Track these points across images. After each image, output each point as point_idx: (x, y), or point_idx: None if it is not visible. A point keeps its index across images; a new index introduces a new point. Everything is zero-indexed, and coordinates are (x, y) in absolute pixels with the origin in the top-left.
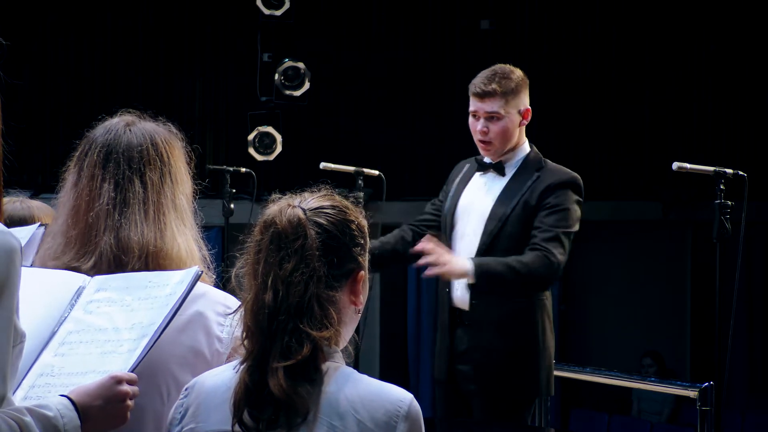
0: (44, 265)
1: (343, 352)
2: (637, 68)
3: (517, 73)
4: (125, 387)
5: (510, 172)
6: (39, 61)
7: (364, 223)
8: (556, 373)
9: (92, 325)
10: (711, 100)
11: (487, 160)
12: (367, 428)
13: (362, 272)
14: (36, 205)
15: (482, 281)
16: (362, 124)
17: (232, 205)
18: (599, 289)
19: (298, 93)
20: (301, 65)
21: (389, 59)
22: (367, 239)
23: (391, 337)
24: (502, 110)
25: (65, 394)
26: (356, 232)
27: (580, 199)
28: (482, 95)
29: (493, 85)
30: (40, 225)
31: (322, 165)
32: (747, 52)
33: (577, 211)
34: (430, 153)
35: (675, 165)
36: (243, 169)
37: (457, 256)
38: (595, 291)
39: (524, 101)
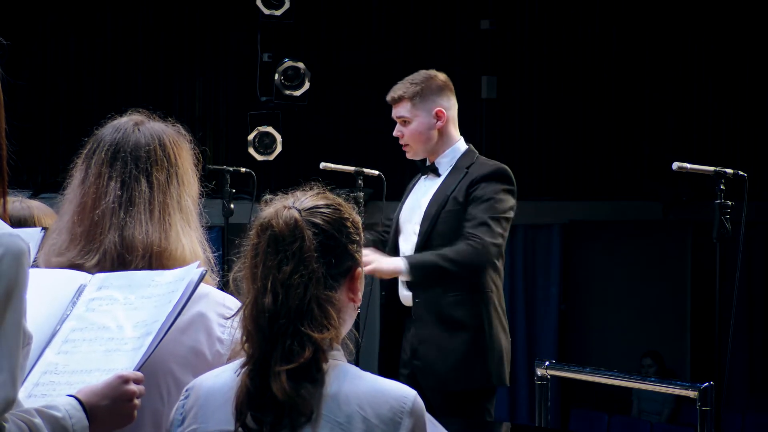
0: (48, 261)
1: (344, 349)
2: (637, 68)
3: (429, 77)
4: (132, 386)
5: (444, 172)
6: (39, 61)
7: (358, 219)
8: (556, 373)
9: (95, 323)
10: (711, 100)
11: (427, 163)
12: (372, 425)
13: (359, 269)
14: (36, 205)
15: (418, 275)
16: (362, 124)
17: (232, 205)
18: (599, 289)
19: (298, 93)
20: (301, 65)
21: (389, 59)
22: (362, 235)
23: None
24: (409, 114)
25: (73, 394)
26: (351, 230)
27: (509, 187)
28: (392, 102)
29: (400, 92)
30: (43, 229)
31: (322, 165)
32: (747, 52)
33: (504, 198)
34: None
35: (675, 165)
36: (243, 169)
37: (389, 257)
38: (595, 291)
39: (437, 103)
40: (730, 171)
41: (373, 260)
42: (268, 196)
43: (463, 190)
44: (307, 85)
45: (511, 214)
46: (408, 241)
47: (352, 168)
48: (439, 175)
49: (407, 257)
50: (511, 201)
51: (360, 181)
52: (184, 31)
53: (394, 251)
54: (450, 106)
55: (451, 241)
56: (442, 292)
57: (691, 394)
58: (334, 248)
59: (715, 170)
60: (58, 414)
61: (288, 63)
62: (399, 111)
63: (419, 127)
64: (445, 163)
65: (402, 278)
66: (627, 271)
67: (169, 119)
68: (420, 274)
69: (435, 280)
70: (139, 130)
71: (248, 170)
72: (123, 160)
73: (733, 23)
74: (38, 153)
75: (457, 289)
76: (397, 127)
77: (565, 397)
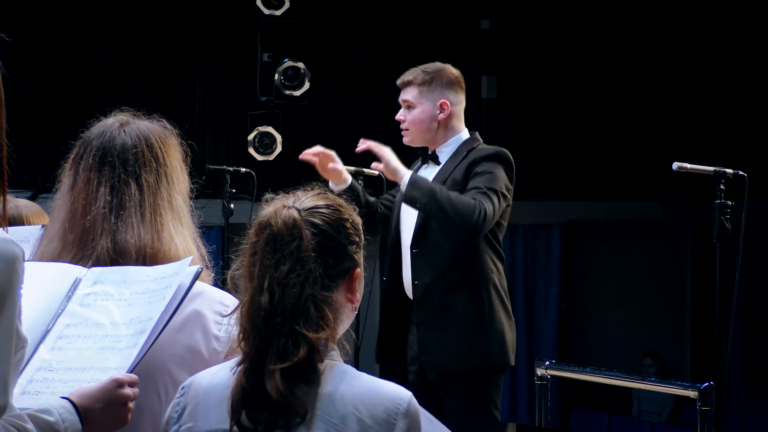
0: None
1: (340, 350)
2: (637, 68)
3: (442, 69)
4: (126, 390)
5: (444, 160)
6: (39, 61)
7: (359, 220)
8: (556, 373)
9: (89, 319)
10: (711, 100)
11: (429, 152)
12: (367, 425)
13: (358, 270)
14: (24, 205)
15: (411, 189)
16: (362, 124)
17: (232, 205)
18: (599, 289)
19: (298, 93)
20: (301, 65)
21: (389, 59)
22: (362, 236)
23: None
24: (414, 99)
25: (67, 396)
26: (351, 230)
27: (508, 169)
28: (401, 85)
29: (410, 77)
30: (42, 226)
31: None
32: (747, 52)
33: (503, 175)
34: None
35: (675, 165)
36: (243, 169)
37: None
38: (595, 291)
39: (444, 95)
40: (730, 171)
41: (388, 154)
42: (269, 195)
43: (463, 169)
44: (307, 85)
45: (509, 194)
46: (408, 222)
47: (352, 168)
48: (439, 163)
49: (415, 175)
50: (508, 181)
51: (360, 181)
52: (184, 31)
53: (396, 232)
54: (457, 101)
55: None
56: (442, 274)
57: (691, 394)
58: (332, 249)
59: (715, 170)
60: (51, 419)
61: (288, 63)
62: (405, 95)
63: (421, 115)
64: (446, 152)
65: (401, 185)
66: (627, 271)
67: (155, 115)
68: (414, 190)
69: (424, 204)
70: (125, 131)
71: (248, 170)
72: (111, 165)
73: (733, 23)
74: (38, 153)
75: (456, 270)
76: (401, 111)
77: (565, 397)
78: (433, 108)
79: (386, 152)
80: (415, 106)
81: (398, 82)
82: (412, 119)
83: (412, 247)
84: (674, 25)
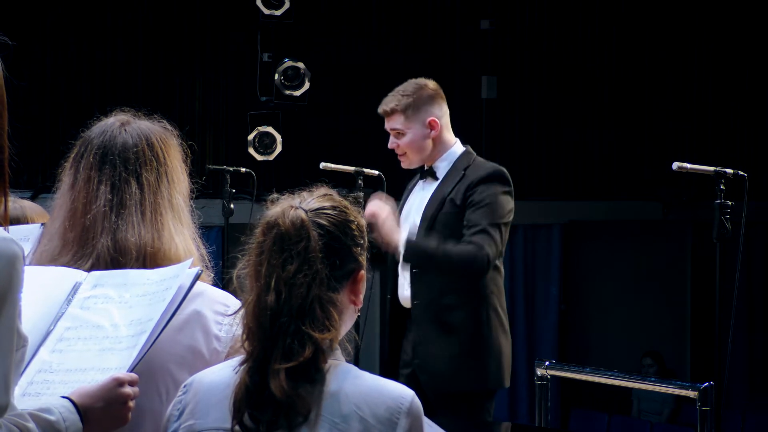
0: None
1: (342, 350)
2: (637, 68)
3: (420, 87)
4: (127, 389)
5: (441, 175)
6: (39, 61)
7: (363, 222)
8: (556, 373)
9: (89, 322)
10: (711, 100)
11: (425, 167)
12: (369, 424)
13: (362, 272)
14: (28, 206)
15: (410, 255)
16: (362, 124)
17: (232, 205)
18: (599, 289)
19: (298, 93)
20: (301, 65)
21: (389, 59)
22: (366, 238)
23: None
24: (402, 126)
25: (67, 395)
26: (356, 232)
27: (507, 189)
28: (384, 114)
29: (392, 105)
30: (42, 225)
31: (322, 165)
32: (747, 52)
33: (503, 201)
34: None
35: (675, 165)
36: (243, 169)
37: (399, 231)
38: (595, 291)
39: (430, 113)
40: (730, 171)
41: (385, 216)
42: (274, 196)
43: (461, 192)
44: (307, 85)
45: (510, 218)
46: None
47: (352, 168)
48: (437, 178)
49: (409, 238)
50: (509, 204)
51: (360, 181)
52: (184, 31)
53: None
54: (442, 113)
55: (448, 241)
56: (441, 294)
57: (691, 394)
58: (338, 250)
59: (715, 170)
60: (52, 418)
61: (288, 63)
62: (392, 123)
63: (414, 138)
64: (442, 167)
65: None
66: (627, 271)
67: (155, 116)
68: (412, 256)
69: (424, 266)
70: (125, 130)
71: (248, 170)
72: (112, 163)
73: (733, 23)
74: (38, 153)
75: (456, 291)
76: (392, 138)
77: (565, 397)
78: (423, 128)
79: (383, 222)
80: (405, 132)
81: (380, 111)
82: (406, 145)
83: (413, 266)
84: (674, 25)
